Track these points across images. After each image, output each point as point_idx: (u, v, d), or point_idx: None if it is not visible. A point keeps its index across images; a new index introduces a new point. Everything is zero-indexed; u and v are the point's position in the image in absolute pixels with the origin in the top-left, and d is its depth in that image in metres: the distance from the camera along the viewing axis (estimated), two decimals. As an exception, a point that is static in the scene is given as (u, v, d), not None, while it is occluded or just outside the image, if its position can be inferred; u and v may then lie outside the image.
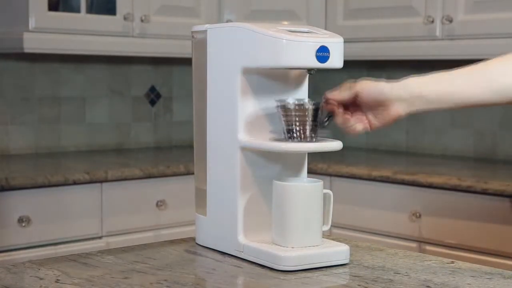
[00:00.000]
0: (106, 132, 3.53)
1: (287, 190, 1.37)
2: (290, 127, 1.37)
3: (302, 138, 1.37)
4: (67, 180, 2.71)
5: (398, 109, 1.40)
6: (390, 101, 1.39)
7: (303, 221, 1.37)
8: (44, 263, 1.39)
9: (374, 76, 3.98)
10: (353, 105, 1.41)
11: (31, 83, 3.27)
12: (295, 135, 1.37)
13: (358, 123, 1.42)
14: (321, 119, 1.39)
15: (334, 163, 3.08)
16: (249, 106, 1.41)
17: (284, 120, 1.38)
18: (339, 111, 1.40)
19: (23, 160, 3.09)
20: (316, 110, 1.37)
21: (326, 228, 1.42)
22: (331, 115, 1.40)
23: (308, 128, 1.37)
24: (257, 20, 3.36)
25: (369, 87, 1.39)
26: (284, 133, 1.39)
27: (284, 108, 1.37)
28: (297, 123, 1.36)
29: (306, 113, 1.36)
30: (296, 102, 1.37)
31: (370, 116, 1.42)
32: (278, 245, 1.38)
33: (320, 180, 1.40)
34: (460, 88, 1.41)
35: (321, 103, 1.39)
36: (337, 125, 1.42)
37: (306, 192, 1.38)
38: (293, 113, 1.36)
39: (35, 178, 2.65)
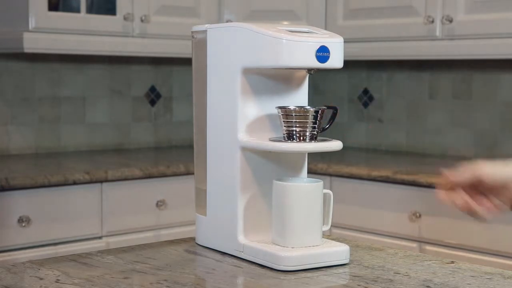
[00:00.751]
0: (106, 132, 3.52)
1: (287, 190, 1.37)
2: (290, 130, 1.37)
3: (301, 140, 1.37)
4: (67, 180, 2.71)
5: None
6: (509, 183, 1.30)
7: (303, 221, 1.37)
8: (44, 263, 1.39)
9: (374, 76, 4.01)
10: (470, 187, 1.32)
11: (31, 83, 3.27)
12: (294, 137, 1.37)
13: (485, 210, 1.31)
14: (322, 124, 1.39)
15: (334, 163, 3.08)
16: (249, 106, 1.41)
17: (284, 124, 1.38)
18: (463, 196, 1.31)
19: (23, 160, 3.09)
20: (316, 114, 1.37)
21: (326, 228, 1.42)
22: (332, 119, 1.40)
23: (308, 131, 1.36)
24: (257, 20, 3.36)
25: (493, 171, 1.31)
26: (284, 137, 1.39)
27: (285, 111, 1.37)
28: (297, 126, 1.36)
29: (307, 117, 1.36)
30: (297, 108, 1.37)
31: (492, 198, 1.33)
32: (278, 245, 1.38)
33: (320, 180, 1.40)
34: None
35: (322, 107, 1.39)
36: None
37: (306, 192, 1.38)
38: (293, 115, 1.36)
39: (35, 178, 2.64)
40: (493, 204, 1.32)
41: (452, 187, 1.31)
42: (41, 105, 3.31)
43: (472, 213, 1.32)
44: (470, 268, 1.38)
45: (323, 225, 1.41)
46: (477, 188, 1.32)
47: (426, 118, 3.49)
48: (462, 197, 1.31)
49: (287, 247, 1.37)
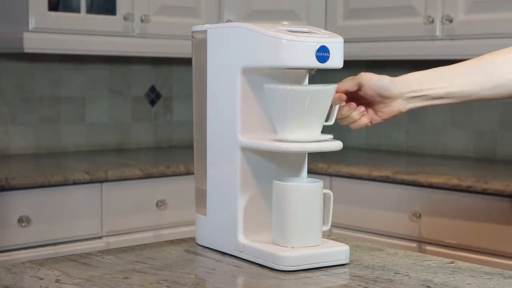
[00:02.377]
0: (106, 132, 3.53)
1: (287, 190, 1.37)
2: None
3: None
4: (67, 180, 2.71)
5: (399, 106, 1.42)
6: (392, 97, 1.41)
7: (303, 221, 1.37)
8: (44, 263, 1.39)
9: (374, 76, 3.95)
10: (353, 99, 1.42)
11: (31, 83, 3.28)
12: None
13: (362, 117, 1.42)
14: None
15: (334, 163, 3.08)
16: (249, 106, 1.41)
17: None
18: (343, 102, 1.41)
19: (23, 160, 3.09)
20: None
21: (326, 228, 1.42)
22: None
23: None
24: (257, 20, 3.36)
25: (373, 79, 1.40)
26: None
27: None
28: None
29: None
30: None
31: (370, 112, 1.43)
32: (278, 245, 1.38)
33: (320, 180, 1.40)
34: (461, 86, 1.42)
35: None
36: (340, 120, 1.43)
37: (306, 192, 1.38)
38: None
39: (35, 178, 2.65)
40: (370, 113, 1.42)
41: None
42: (41, 105, 3.31)
43: (350, 121, 1.42)
44: (470, 268, 1.38)
45: (323, 225, 1.41)
46: (358, 99, 1.42)
47: (426, 118, 3.49)
48: (350, 105, 1.41)
49: (287, 247, 1.37)
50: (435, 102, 1.43)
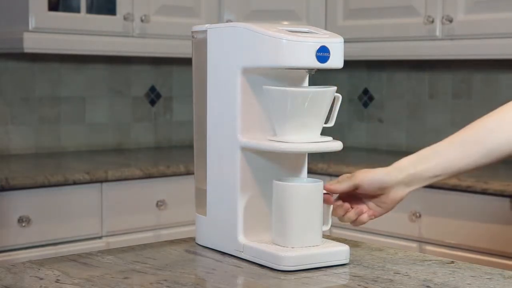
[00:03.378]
0: (106, 132, 3.53)
1: (287, 190, 1.37)
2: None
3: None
4: (67, 180, 2.71)
5: (399, 192, 1.45)
6: (390, 187, 1.43)
7: (303, 221, 1.37)
8: (44, 263, 1.39)
9: (374, 76, 4.01)
10: (351, 196, 1.44)
11: (31, 83, 3.28)
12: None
13: (362, 215, 1.44)
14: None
15: (334, 163, 3.08)
16: (249, 106, 1.41)
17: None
18: (339, 203, 1.43)
19: (23, 160, 3.09)
20: None
21: (326, 228, 1.42)
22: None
23: None
24: (257, 20, 3.36)
25: (368, 178, 1.42)
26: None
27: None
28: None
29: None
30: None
31: (371, 204, 1.45)
32: (278, 245, 1.38)
33: (320, 180, 1.40)
34: (454, 160, 1.46)
35: None
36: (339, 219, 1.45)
37: (306, 192, 1.38)
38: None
39: (35, 178, 2.65)
40: (371, 209, 1.45)
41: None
42: (41, 105, 3.31)
43: (349, 221, 1.45)
44: (470, 268, 1.38)
45: (323, 225, 1.41)
46: (356, 196, 1.44)
47: (426, 118, 3.49)
48: (340, 206, 1.43)
49: (287, 247, 1.37)
50: (433, 180, 1.46)
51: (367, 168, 1.46)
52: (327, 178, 3.04)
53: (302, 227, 1.37)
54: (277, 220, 1.39)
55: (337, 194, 1.45)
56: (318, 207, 1.38)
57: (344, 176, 1.44)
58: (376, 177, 1.43)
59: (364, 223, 1.45)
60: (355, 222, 1.45)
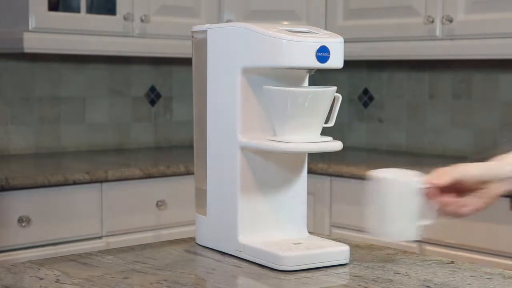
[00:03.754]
0: (106, 132, 3.53)
1: (390, 185, 1.36)
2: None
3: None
4: (67, 180, 2.71)
5: (500, 188, 1.39)
6: (491, 182, 1.39)
7: (401, 215, 1.37)
8: (44, 263, 1.39)
9: (374, 76, 4.00)
10: (451, 189, 1.39)
11: (31, 83, 3.27)
12: None
13: (464, 208, 1.39)
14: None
15: (334, 163, 3.08)
16: (249, 106, 1.41)
17: None
18: (442, 198, 1.39)
19: (23, 160, 3.09)
20: None
21: (427, 222, 1.41)
22: None
23: None
24: (257, 20, 3.36)
25: (470, 172, 1.38)
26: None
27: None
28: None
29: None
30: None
31: (472, 198, 1.40)
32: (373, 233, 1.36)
33: (420, 174, 1.38)
34: None
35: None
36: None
37: (407, 188, 1.37)
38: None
39: (35, 178, 2.64)
40: (472, 202, 1.39)
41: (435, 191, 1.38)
42: (41, 105, 3.31)
43: (454, 215, 1.40)
44: (470, 268, 1.38)
45: (424, 219, 1.39)
46: (457, 190, 1.38)
47: (426, 118, 3.49)
48: (445, 201, 1.38)
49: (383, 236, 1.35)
50: None
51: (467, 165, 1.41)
52: (327, 178, 3.04)
53: (399, 220, 1.36)
54: (376, 211, 1.37)
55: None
56: (416, 201, 1.36)
57: (442, 170, 1.40)
58: (477, 172, 1.39)
59: (466, 215, 1.40)
60: (457, 215, 1.40)
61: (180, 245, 1.54)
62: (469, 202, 1.39)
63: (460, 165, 1.40)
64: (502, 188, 1.40)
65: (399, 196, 1.36)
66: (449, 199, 1.38)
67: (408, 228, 1.37)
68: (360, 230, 3.05)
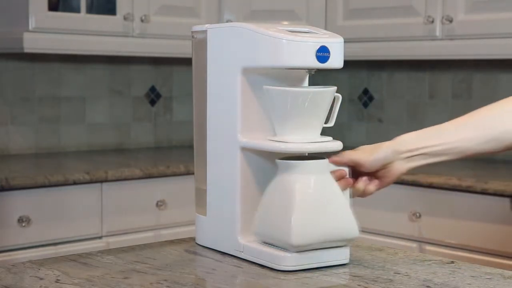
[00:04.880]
0: (106, 132, 3.53)
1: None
2: None
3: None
4: (67, 180, 2.71)
5: (399, 168, 1.45)
6: (391, 163, 1.44)
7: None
8: (44, 263, 1.39)
9: (374, 76, 3.99)
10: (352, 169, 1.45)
11: (31, 83, 3.28)
12: None
13: (369, 185, 1.45)
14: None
15: (334, 163, 3.07)
16: (249, 106, 1.41)
17: None
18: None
19: (23, 160, 3.09)
20: None
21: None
22: None
23: None
24: (257, 20, 3.36)
25: (370, 159, 1.43)
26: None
27: None
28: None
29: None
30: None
31: (372, 178, 1.46)
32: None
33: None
34: (455, 142, 1.46)
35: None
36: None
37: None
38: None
39: (35, 178, 2.64)
40: (374, 182, 1.45)
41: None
42: (41, 105, 3.31)
43: (357, 192, 1.46)
44: (470, 268, 1.38)
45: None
46: (357, 171, 1.45)
47: (426, 118, 3.48)
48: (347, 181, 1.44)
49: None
50: (433, 160, 1.46)
51: (366, 145, 1.46)
52: (327, 178, 3.04)
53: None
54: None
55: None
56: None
57: (345, 153, 1.44)
58: (378, 156, 1.44)
59: (371, 193, 1.46)
60: (364, 193, 1.45)
61: (180, 245, 1.54)
62: (371, 179, 1.45)
63: (361, 150, 1.45)
64: (400, 169, 1.45)
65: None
66: (350, 179, 1.44)
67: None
68: (360, 230, 3.06)
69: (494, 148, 1.47)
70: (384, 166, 1.44)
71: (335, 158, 1.43)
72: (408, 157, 1.46)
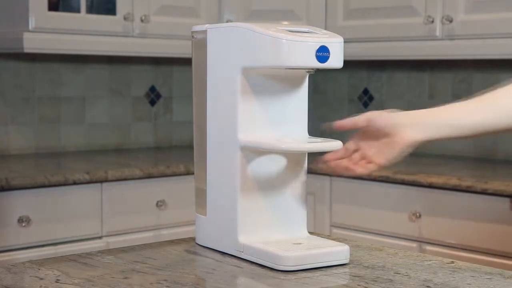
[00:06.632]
0: (106, 132, 3.53)
1: None
2: None
3: None
4: (67, 180, 2.71)
5: (409, 135, 1.43)
6: (402, 127, 1.44)
7: None
8: (44, 263, 1.39)
9: (374, 76, 4.00)
10: (361, 135, 1.45)
11: (31, 83, 3.28)
12: None
13: (359, 167, 1.44)
14: None
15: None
16: (249, 106, 1.41)
17: None
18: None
19: (23, 160, 3.09)
20: None
21: None
22: None
23: None
24: (257, 20, 3.36)
25: (383, 115, 1.44)
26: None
27: None
28: None
29: None
30: None
31: (374, 152, 1.44)
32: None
33: None
34: (473, 116, 1.45)
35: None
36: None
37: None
38: None
39: (35, 178, 2.64)
40: (370, 159, 1.43)
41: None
42: (41, 105, 3.31)
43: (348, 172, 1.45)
44: (470, 268, 1.38)
45: None
46: (367, 136, 1.45)
47: (426, 118, 3.48)
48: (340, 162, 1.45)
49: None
50: (446, 134, 1.45)
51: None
52: (327, 178, 3.04)
53: None
54: None
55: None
56: None
57: (358, 115, 1.45)
58: (389, 115, 1.44)
59: (358, 174, 1.45)
60: (353, 172, 1.44)
61: (180, 245, 1.54)
62: (363, 162, 1.44)
63: (376, 112, 1.46)
64: (408, 136, 1.43)
65: None
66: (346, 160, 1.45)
67: None
68: (360, 230, 3.07)
69: (503, 126, 1.45)
70: (393, 129, 1.42)
71: (347, 122, 1.44)
72: (419, 125, 1.46)
